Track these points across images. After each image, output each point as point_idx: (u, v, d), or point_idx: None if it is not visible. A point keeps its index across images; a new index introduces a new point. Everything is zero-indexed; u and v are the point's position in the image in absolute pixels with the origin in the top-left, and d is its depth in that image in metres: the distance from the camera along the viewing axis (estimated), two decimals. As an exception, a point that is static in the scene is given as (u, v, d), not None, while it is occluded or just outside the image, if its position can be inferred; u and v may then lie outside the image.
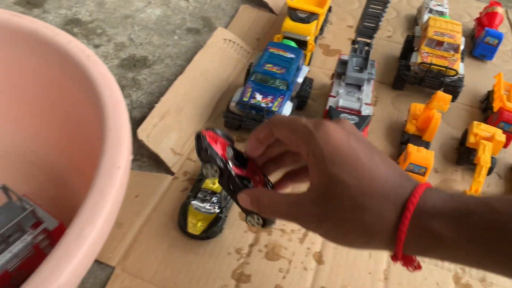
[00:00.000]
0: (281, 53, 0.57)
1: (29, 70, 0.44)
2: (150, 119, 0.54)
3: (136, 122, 0.56)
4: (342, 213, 0.28)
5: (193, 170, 0.52)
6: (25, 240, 0.37)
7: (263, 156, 0.36)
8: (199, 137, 0.34)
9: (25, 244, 0.37)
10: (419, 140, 0.56)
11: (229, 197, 0.47)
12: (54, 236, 0.39)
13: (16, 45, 0.43)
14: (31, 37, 0.42)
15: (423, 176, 0.50)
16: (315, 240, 0.47)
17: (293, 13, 0.65)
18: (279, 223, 0.48)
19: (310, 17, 0.65)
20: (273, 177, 0.38)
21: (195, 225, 0.45)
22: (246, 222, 0.35)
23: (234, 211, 0.48)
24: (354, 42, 0.58)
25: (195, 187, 0.48)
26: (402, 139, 0.57)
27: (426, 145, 0.55)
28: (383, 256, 0.46)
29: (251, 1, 0.83)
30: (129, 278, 0.42)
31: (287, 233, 0.47)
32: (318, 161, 0.29)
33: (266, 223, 0.35)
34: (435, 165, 0.56)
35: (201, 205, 0.46)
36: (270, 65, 0.55)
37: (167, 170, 0.52)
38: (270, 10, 0.81)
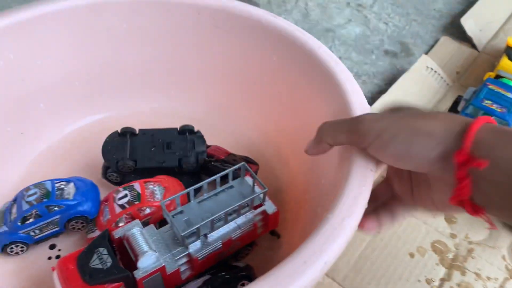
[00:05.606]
0: (502, 91, 0.54)
1: (277, 68, 0.50)
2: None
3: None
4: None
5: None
6: (248, 216, 0.41)
7: None
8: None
9: (247, 220, 0.41)
10: None
11: None
12: (268, 220, 0.42)
13: (272, 44, 0.48)
14: (287, 38, 0.47)
15: None
16: (514, 295, 0.43)
17: (512, 53, 0.62)
18: (474, 266, 0.45)
19: (532, 59, 0.61)
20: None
21: None
22: None
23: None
24: None
25: None
26: None
27: None
28: None
29: (452, 34, 0.81)
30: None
31: (483, 279, 0.45)
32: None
33: None
34: None
35: None
36: (489, 102, 0.53)
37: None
38: (473, 46, 0.78)
